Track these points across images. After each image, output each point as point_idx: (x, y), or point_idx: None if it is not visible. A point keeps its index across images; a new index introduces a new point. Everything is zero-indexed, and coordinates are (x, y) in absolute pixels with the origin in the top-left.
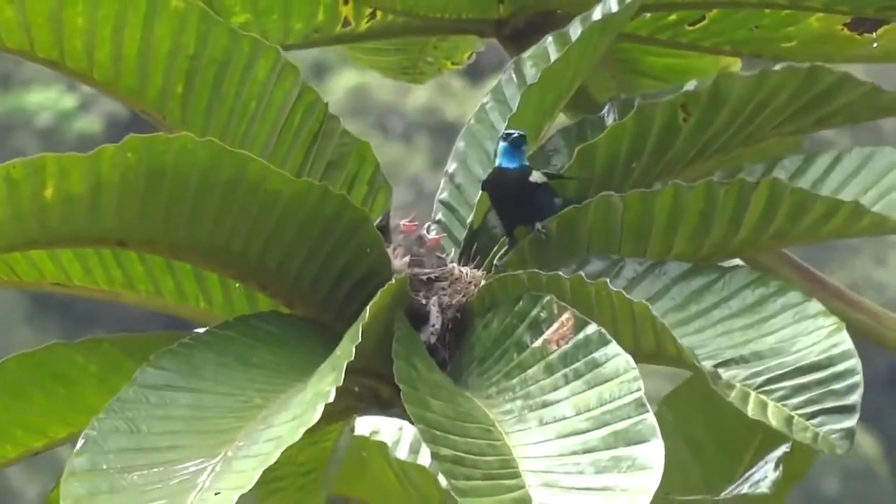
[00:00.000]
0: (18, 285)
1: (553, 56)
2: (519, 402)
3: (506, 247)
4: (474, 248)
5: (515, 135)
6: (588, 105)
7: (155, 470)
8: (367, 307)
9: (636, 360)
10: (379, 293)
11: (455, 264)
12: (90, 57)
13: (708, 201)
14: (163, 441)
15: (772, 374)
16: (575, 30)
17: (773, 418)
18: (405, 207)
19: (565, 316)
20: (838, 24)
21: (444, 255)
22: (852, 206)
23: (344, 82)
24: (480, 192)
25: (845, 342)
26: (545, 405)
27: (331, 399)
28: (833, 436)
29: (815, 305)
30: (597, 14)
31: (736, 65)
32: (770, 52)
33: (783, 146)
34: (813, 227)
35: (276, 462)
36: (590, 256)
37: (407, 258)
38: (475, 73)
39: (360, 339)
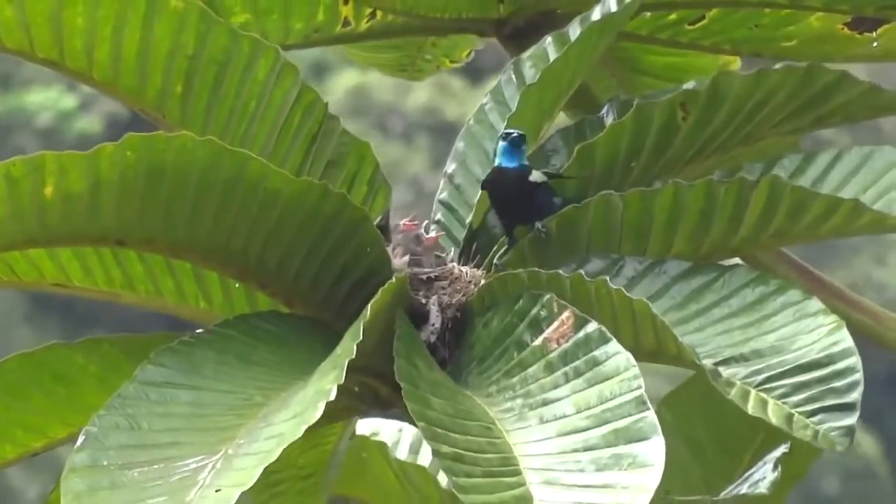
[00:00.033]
0: (18, 285)
1: (552, 56)
2: (519, 401)
3: (505, 246)
4: (474, 247)
5: (515, 134)
6: (588, 104)
7: (155, 467)
8: (369, 305)
9: (636, 359)
10: (380, 291)
11: (455, 264)
12: (90, 57)
13: (708, 200)
14: (163, 438)
15: (772, 372)
16: (574, 30)
17: (774, 416)
18: (405, 207)
19: (565, 314)
20: (838, 23)
21: (443, 254)
22: (852, 204)
23: (344, 82)
24: (480, 191)
25: (845, 340)
26: (545, 403)
27: (332, 397)
28: (833, 433)
29: (815, 303)
30: (596, 14)
31: (735, 63)
32: (770, 51)
33: (782, 145)
34: (813, 225)
35: (276, 465)
36: (589, 255)
37: (406, 257)
38: (475, 73)
39: (361, 337)
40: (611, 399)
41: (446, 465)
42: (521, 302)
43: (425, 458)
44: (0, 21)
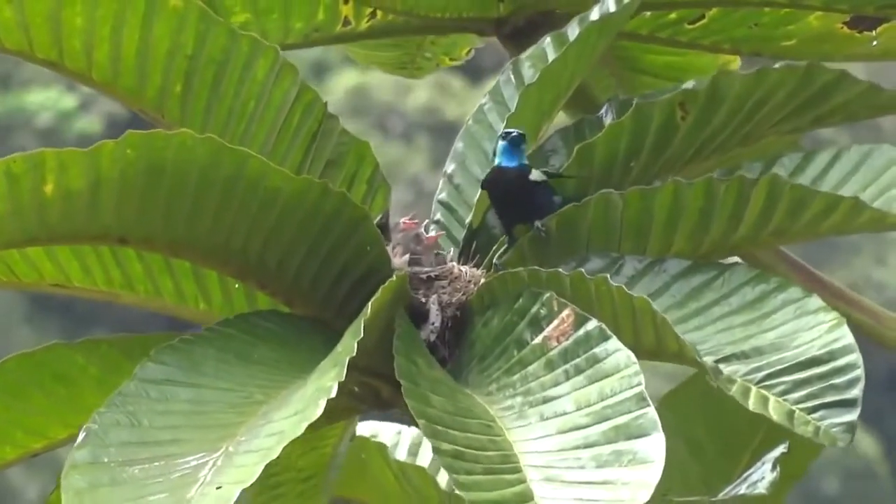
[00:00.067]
0: (18, 286)
1: (551, 57)
2: (519, 399)
3: (505, 245)
4: (473, 247)
5: (514, 134)
6: (588, 104)
7: (156, 464)
8: (370, 303)
9: (637, 357)
10: (381, 289)
11: (454, 263)
12: (89, 57)
13: (708, 198)
14: (164, 435)
15: (773, 369)
16: (573, 30)
17: (775, 412)
18: (405, 207)
19: (565, 312)
20: (838, 22)
21: (442, 254)
22: (852, 202)
23: (344, 82)
24: (479, 191)
25: (846, 337)
26: (546, 401)
27: (333, 394)
28: (834, 429)
29: (815, 301)
30: (594, 14)
31: (735, 63)
32: (770, 50)
33: (781, 145)
34: (812, 223)
35: (275, 468)
36: (589, 254)
37: (406, 256)
38: (475, 73)
39: (362, 335)
40: (611, 396)
41: (447, 462)
42: (520, 300)
43: (424, 460)
44: None
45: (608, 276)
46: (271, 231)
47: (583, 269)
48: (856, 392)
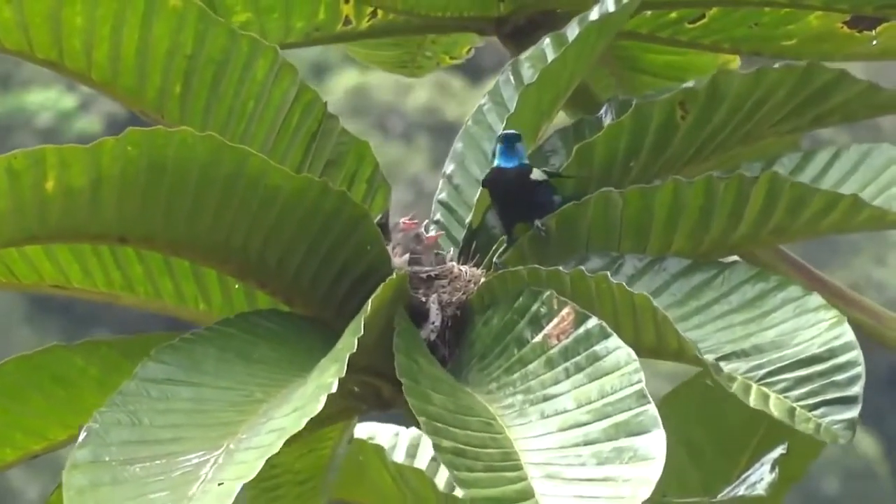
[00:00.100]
0: (17, 287)
1: (550, 57)
2: (520, 397)
3: (505, 245)
4: (473, 246)
5: (508, 134)
6: (587, 104)
7: (157, 462)
8: (370, 300)
9: (637, 355)
10: (381, 287)
11: (454, 263)
12: (88, 57)
13: (708, 197)
14: (165, 434)
15: (773, 367)
16: (572, 30)
17: (776, 410)
18: (405, 207)
19: (565, 311)
20: (838, 21)
21: (442, 253)
22: (851, 200)
23: (344, 82)
24: (479, 191)
25: (846, 334)
26: (546, 399)
27: (333, 389)
28: (835, 426)
29: (815, 299)
30: (594, 14)
31: (735, 62)
32: (769, 49)
33: (781, 145)
34: (812, 221)
35: (273, 470)
36: (589, 253)
37: (406, 256)
38: (475, 73)
39: (362, 332)
40: (611, 393)
41: (447, 460)
42: (521, 299)
43: (422, 462)
44: None
45: (608, 273)
46: (271, 229)
47: (583, 268)
48: (856, 389)
